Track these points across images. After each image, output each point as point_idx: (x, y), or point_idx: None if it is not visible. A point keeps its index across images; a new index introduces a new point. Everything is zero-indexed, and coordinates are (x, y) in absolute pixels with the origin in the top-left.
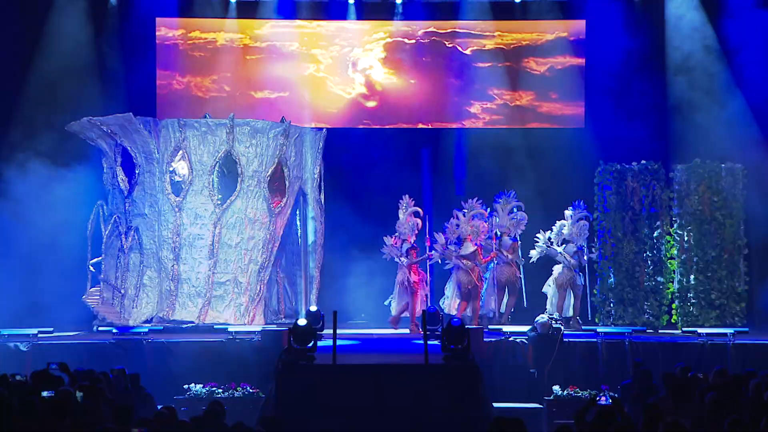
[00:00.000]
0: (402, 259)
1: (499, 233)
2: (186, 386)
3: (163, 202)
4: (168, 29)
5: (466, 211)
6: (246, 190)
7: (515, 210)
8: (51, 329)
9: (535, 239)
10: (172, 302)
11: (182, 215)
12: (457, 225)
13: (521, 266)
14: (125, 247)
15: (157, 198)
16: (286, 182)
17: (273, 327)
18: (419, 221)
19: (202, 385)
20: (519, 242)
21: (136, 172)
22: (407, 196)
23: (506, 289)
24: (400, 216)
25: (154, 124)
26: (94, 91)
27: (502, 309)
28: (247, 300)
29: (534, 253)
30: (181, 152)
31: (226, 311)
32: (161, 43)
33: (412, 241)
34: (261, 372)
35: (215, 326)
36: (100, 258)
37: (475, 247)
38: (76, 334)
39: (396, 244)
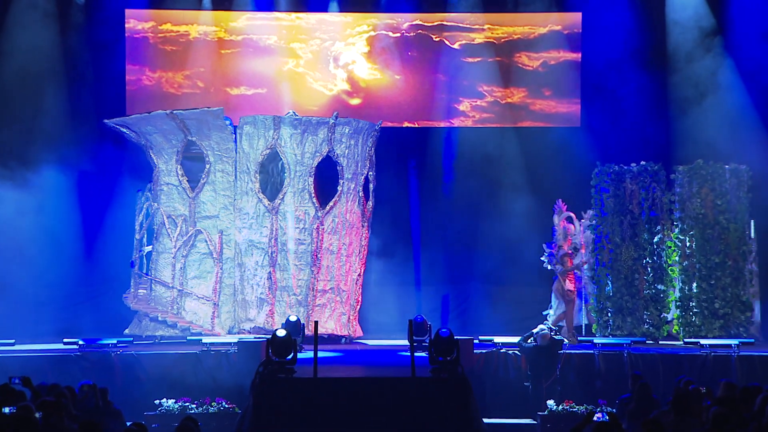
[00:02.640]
0: (557, 266)
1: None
2: (157, 401)
3: (249, 204)
4: (137, 21)
5: (583, 220)
6: (345, 193)
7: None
8: (12, 341)
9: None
10: (271, 311)
11: (279, 219)
12: (568, 233)
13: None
14: (214, 252)
15: (235, 200)
16: (371, 185)
17: (250, 338)
18: (572, 227)
19: (174, 400)
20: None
21: (207, 169)
22: (560, 200)
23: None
24: (555, 221)
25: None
26: (59, 86)
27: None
28: (349, 309)
29: None
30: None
31: (330, 321)
32: (130, 36)
33: (567, 248)
34: (237, 386)
35: (188, 337)
36: (144, 252)
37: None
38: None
39: (553, 251)
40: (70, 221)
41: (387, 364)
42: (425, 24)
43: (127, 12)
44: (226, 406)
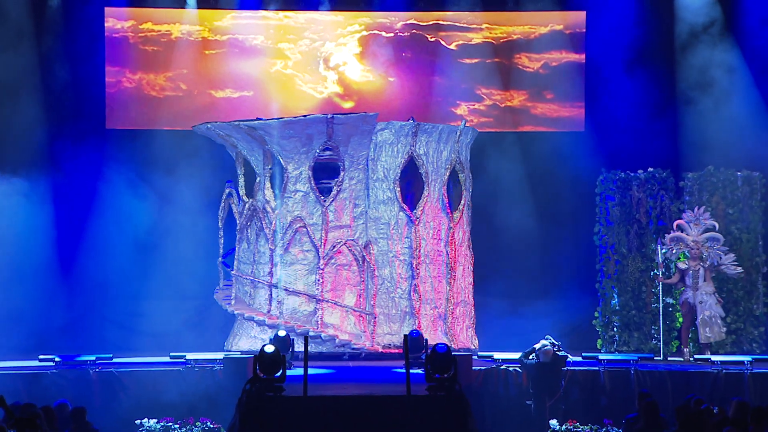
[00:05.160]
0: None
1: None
2: (138, 421)
3: (387, 214)
4: (117, 20)
5: (693, 224)
6: (466, 204)
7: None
8: None
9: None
10: (418, 325)
11: (420, 229)
12: (681, 239)
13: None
14: (371, 262)
15: (367, 208)
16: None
17: (237, 354)
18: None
19: (156, 420)
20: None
21: (341, 176)
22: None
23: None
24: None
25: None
26: (36, 92)
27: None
28: (472, 323)
29: None
30: None
31: (461, 335)
32: (109, 36)
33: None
34: (223, 405)
35: (171, 354)
36: (231, 252)
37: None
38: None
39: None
40: (47, 231)
41: (381, 382)
42: (420, 23)
43: (107, 10)
44: (211, 426)
